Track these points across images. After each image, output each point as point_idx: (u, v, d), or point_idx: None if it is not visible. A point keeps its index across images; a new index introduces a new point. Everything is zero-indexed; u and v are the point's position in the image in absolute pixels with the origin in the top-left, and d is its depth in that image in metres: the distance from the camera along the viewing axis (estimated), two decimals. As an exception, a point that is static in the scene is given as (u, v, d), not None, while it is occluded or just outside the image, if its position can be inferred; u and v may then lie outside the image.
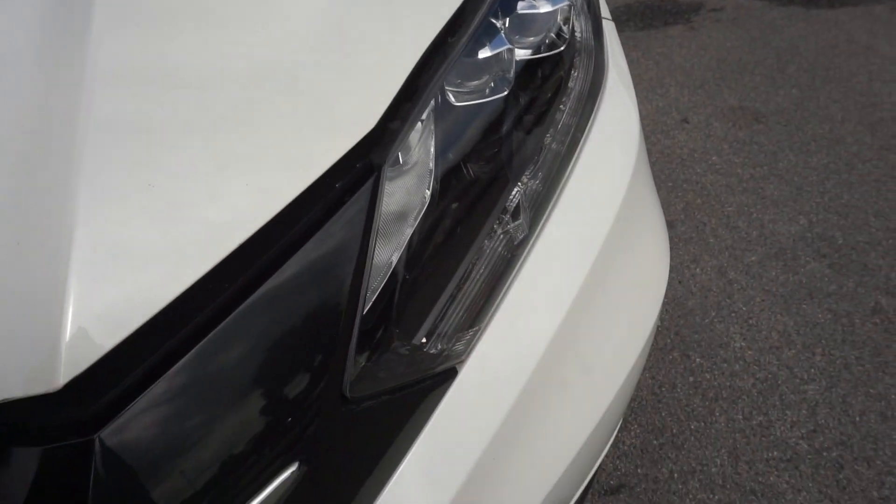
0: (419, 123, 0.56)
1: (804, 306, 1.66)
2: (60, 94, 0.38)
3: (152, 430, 0.35)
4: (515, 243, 0.59)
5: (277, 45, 0.44)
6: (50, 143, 0.36)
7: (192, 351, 0.36)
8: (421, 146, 0.57)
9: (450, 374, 0.52)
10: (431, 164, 0.57)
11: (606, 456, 1.39)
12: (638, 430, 1.43)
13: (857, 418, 1.42)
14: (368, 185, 0.45)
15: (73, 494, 0.33)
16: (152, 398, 0.35)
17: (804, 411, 1.44)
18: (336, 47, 0.46)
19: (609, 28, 0.79)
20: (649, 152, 2.26)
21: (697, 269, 1.78)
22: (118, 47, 0.41)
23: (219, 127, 0.40)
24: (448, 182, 0.58)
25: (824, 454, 1.36)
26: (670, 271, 1.82)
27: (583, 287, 0.61)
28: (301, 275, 0.41)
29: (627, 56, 2.73)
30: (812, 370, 1.52)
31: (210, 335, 0.37)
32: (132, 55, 0.41)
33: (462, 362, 0.53)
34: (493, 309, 0.55)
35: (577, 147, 0.66)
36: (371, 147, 0.47)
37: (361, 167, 0.45)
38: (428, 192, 0.56)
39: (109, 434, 0.33)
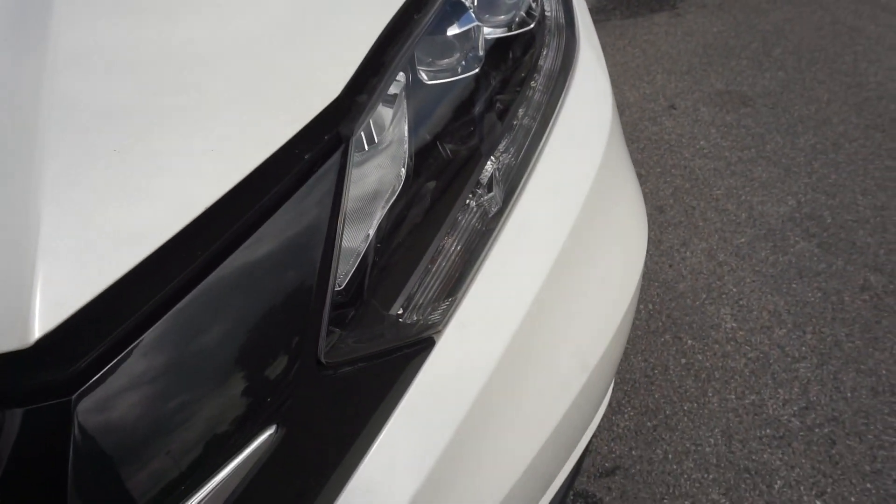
0: (392, 101, 0.57)
1: (794, 286, 1.67)
2: (23, 75, 0.39)
3: (129, 393, 0.36)
4: (490, 216, 0.60)
5: (241, 22, 0.45)
6: (14, 117, 0.37)
7: (166, 316, 0.37)
8: (395, 125, 0.58)
9: (427, 344, 0.53)
10: (406, 143, 0.57)
11: (600, 439, 1.40)
12: (631, 413, 1.44)
13: (849, 394, 1.43)
14: (337, 155, 0.45)
15: (52, 455, 0.34)
16: (129, 361, 0.36)
17: (796, 389, 1.45)
18: (300, 22, 0.47)
19: (580, 6, 0.80)
20: (637, 139, 2.27)
21: (687, 253, 1.79)
22: (80, 30, 0.41)
23: (183, 101, 0.41)
24: (423, 159, 0.59)
25: (816, 430, 1.37)
26: (661, 256, 1.83)
27: (559, 257, 0.62)
28: (273, 242, 0.42)
29: (614, 45, 2.72)
30: (803, 348, 1.53)
31: (184, 300, 0.37)
32: (95, 38, 0.42)
33: (440, 332, 0.53)
34: (469, 279, 0.56)
35: (549, 122, 0.67)
36: (339, 120, 0.47)
37: (330, 139, 0.46)
38: (403, 171, 0.57)
39: (86, 396, 0.34)
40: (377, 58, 0.52)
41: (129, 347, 0.36)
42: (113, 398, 0.35)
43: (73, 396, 0.34)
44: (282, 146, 0.42)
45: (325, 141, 0.46)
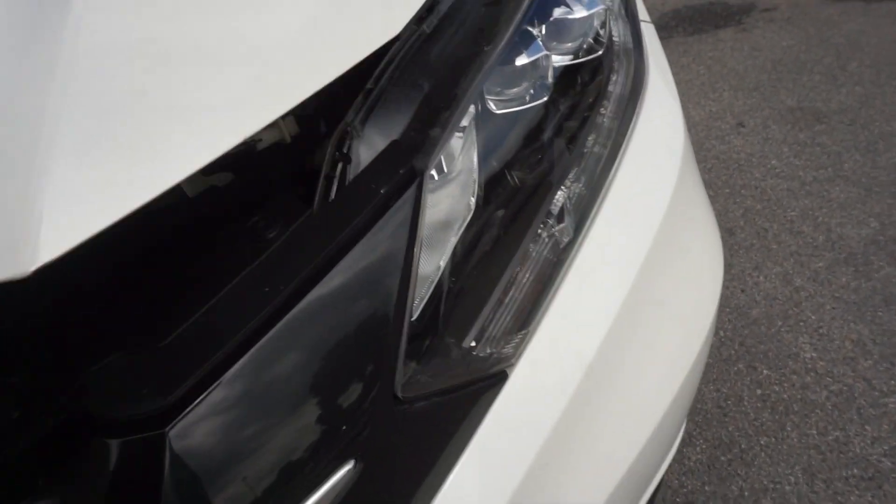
0: (461, 132, 0.57)
1: (880, 314, 1.56)
2: (38, 67, 0.38)
3: (216, 425, 0.37)
4: (561, 247, 0.59)
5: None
6: (25, 101, 0.37)
7: (252, 350, 0.38)
8: (464, 155, 0.58)
9: (500, 378, 0.52)
10: (475, 172, 0.58)
11: (671, 472, 1.33)
12: (704, 446, 1.37)
13: (948, 432, 1.32)
14: (412, 190, 0.46)
15: (145, 485, 0.35)
16: (216, 394, 0.37)
17: (885, 426, 1.34)
18: None
19: (648, 30, 0.79)
20: (704, 158, 2.19)
21: (761, 277, 1.71)
22: (100, 24, 0.41)
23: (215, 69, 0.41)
24: (492, 189, 0.59)
25: (911, 471, 1.26)
26: (732, 280, 1.75)
27: (633, 288, 0.60)
28: (350, 278, 0.42)
29: (677, 62, 2.65)
30: (892, 382, 1.42)
31: (267, 336, 0.39)
32: (117, 31, 0.41)
33: (512, 365, 0.53)
34: (541, 311, 0.55)
35: (620, 150, 0.66)
36: (413, 154, 0.48)
37: (405, 173, 0.46)
38: (473, 200, 0.57)
39: (177, 428, 0.35)
40: (450, 91, 0.52)
41: (218, 381, 0.37)
42: (201, 430, 0.36)
43: (167, 429, 0.35)
44: (360, 179, 0.43)
45: (399, 175, 0.46)
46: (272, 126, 0.61)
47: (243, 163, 0.57)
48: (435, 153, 0.49)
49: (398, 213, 0.45)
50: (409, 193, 0.46)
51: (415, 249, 0.46)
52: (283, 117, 0.61)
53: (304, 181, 0.53)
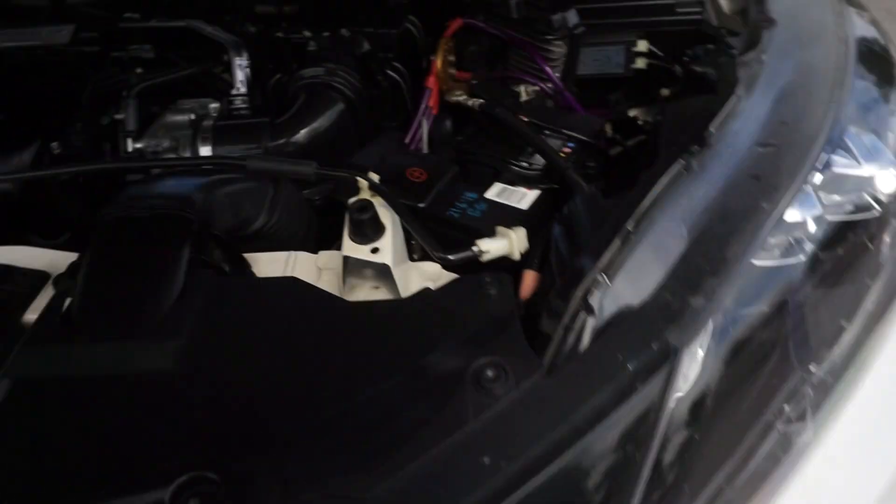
0: None
1: None
2: None
3: None
4: (792, 446, 0.49)
5: None
6: None
7: None
8: None
9: None
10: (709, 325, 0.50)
11: None
12: None
13: None
14: (663, 372, 0.40)
15: None
16: None
17: None
18: None
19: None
20: None
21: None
22: None
23: None
24: (724, 351, 0.51)
25: None
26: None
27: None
28: (577, 465, 0.37)
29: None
30: None
31: None
32: None
33: None
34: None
35: (883, 336, 0.55)
36: (667, 324, 0.42)
37: (658, 349, 0.40)
38: (701, 353, 0.49)
39: None
40: (717, 251, 0.46)
41: None
42: None
43: None
44: (604, 343, 0.38)
45: (651, 350, 0.40)
46: (502, 236, 0.57)
47: (465, 270, 0.53)
48: (695, 329, 0.42)
49: (643, 397, 0.39)
50: (660, 376, 0.39)
51: (652, 446, 0.39)
52: (515, 230, 0.57)
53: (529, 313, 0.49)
